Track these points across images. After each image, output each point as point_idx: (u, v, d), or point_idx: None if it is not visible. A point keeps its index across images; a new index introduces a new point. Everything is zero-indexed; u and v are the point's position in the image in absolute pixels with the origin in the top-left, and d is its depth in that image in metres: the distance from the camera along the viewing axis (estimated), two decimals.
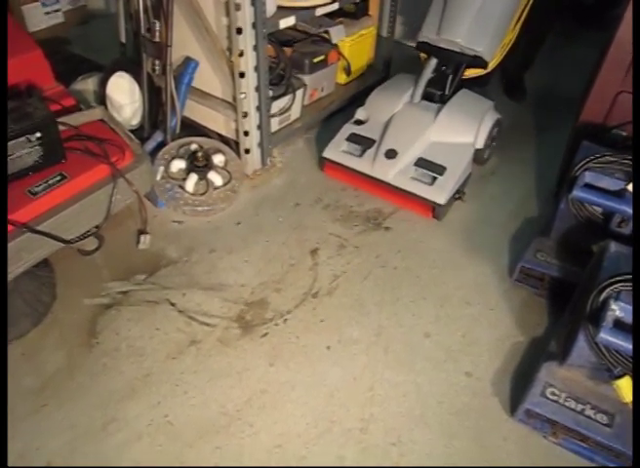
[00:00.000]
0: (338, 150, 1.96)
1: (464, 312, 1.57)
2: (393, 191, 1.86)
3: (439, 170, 1.82)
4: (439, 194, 1.80)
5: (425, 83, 2.03)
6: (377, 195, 1.93)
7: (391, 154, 1.85)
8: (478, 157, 2.02)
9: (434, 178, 1.82)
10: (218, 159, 1.88)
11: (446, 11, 1.96)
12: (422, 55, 2.09)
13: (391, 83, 2.18)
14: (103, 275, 1.62)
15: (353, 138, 1.96)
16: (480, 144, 1.96)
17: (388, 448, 1.26)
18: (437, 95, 2.03)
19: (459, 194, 1.89)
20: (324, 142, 2.01)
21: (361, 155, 1.93)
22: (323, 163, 2.02)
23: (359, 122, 2.04)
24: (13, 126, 1.31)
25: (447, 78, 2.02)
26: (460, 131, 1.94)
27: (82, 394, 1.34)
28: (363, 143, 1.94)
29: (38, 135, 1.35)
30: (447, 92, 2.02)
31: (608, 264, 1.27)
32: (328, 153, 1.97)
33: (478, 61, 1.97)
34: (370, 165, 1.89)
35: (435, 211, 1.84)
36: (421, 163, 1.85)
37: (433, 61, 2.01)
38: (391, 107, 2.02)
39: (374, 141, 1.94)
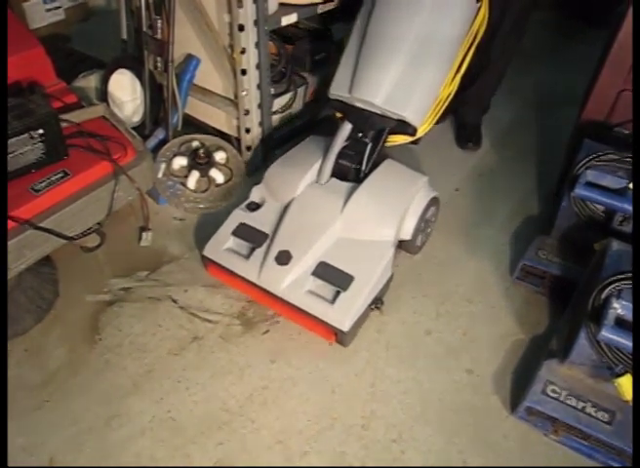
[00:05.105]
0: (221, 248, 1.51)
1: (465, 310, 1.57)
2: (287, 306, 1.43)
3: (344, 281, 1.37)
4: (341, 318, 1.35)
5: (337, 154, 1.55)
6: (271, 308, 1.52)
7: (283, 258, 1.41)
8: (408, 246, 1.62)
9: (338, 292, 1.39)
10: (219, 156, 1.88)
11: (359, 64, 1.50)
12: (338, 114, 1.63)
13: (298, 151, 1.66)
14: (105, 272, 1.63)
15: (241, 233, 1.50)
16: (407, 235, 1.55)
17: (389, 445, 1.27)
18: (351, 170, 1.56)
19: (375, 304, 1.46)
20: None
21: (248, 256, 1.47)
22: (205, 262, 1.57)
23: (253, 206, 1.58)
24: (15, 123, 1.31)
25: (365, 148, 1.55)
26: (375, 225, 1.47)
27: (85, 390, 1.35)
28: (252, 239, 1.49)
29: (40, 131, 1.35)
30: (364, 166, 1.55)
31: (609, 262, 1.27)
32: (209, 251, 1.53)
33: (404, 127, 1.52)
34: (257, 271, 1.44)
35: (338, 336, 1.40)
36: (322, 271, 1.40)
37: (347, 126, 1.55)
38: (291, 189, 1.54)
39: (266, 236, 1.48)
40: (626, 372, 1.22)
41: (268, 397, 1.35)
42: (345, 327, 1.36)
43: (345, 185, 1.54)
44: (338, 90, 1.57)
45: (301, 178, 1.55)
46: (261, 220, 1.53)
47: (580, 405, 1.25)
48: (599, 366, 1.26)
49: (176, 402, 1.33)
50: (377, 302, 1.47)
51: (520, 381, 1.37)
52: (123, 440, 1.25)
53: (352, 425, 1.30)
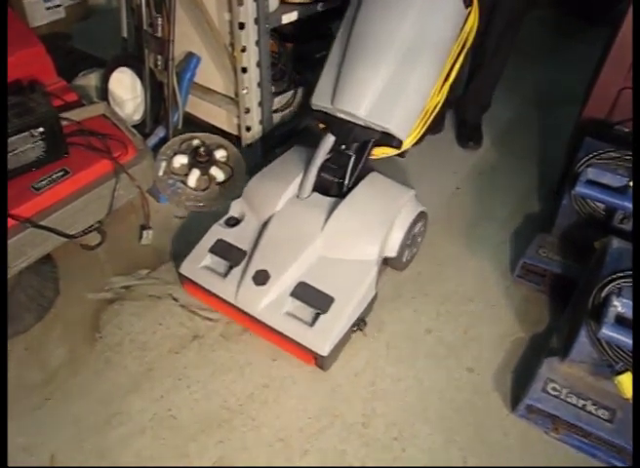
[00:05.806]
0: (197, 266, 1.46)
1: (466, 308, 1.58)
2: (265, 328, 1.37)
3: (324, 303, 1.32)
4: (320, 342, 1.30)
5: (319, 167, 1.49)
6: (249, 329, 1.46)
7: (261, 278, 1.35)
8: (394, 263, 1.57)
9: (318, 314, 1.34)
10: (219, 154, 1.87)
11: (343, 71, 1.45)
12: (321, 125, 1.58)
13: (279, 163, 1.60)
14: (106, 270, 1.63)
15: (218, 250, 1.45)
16: (392, 253, 1.49)
17: (390, 443, 1.27)
18: (334, 184, 1.49)
19: (358, 326, 1.41)
20: None
21: (226, 275, 1.42)
22: (182, 279, 1.52)
23: (232, 221, 1.52)
24: (16, 121, 1.31)
25: (348, 161, 1.48)
26: (357, 243, 1.40)
27: (86, 388, 1.35)
28: (230, 257, 1.43)
29: (41, 130, 1.35)
30: (347, 180, 1.49)
31: (610, 260, 1.27)
32: (185, 269, 1.48)
33: (389, 139, 1.47)
34: (234, 291, 1.38)
35: (317, 360, 1.35)
36: (301, 292, 1.34)
37: (330, 138, 1.49)
38: (271, 204, 1.47)
39: (244, 254, 1.43)
40: (627, 370, 1.22)
41: (269, 395, 1.35)
42: (325, 351, 1.30)
43: (328, 200, 1.47)
44: (320, 100, 1.51)
45: (282, 193, 1.48)
46: (240, 237, 1.46)
47: (581, 402, 1.25)
48: (599, 364, 1.26)
49: (176, 400, 1.33)
50: (359, 324, 1.41)
51: (520, 379, 1.38)
52: (123, 438, 1.25)
53: (353, 423, 1.30)
